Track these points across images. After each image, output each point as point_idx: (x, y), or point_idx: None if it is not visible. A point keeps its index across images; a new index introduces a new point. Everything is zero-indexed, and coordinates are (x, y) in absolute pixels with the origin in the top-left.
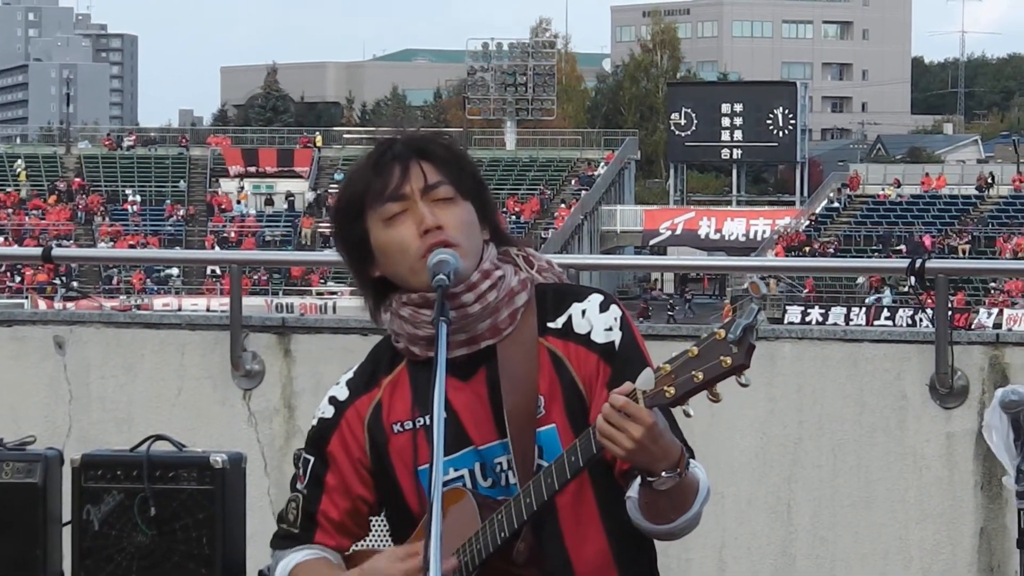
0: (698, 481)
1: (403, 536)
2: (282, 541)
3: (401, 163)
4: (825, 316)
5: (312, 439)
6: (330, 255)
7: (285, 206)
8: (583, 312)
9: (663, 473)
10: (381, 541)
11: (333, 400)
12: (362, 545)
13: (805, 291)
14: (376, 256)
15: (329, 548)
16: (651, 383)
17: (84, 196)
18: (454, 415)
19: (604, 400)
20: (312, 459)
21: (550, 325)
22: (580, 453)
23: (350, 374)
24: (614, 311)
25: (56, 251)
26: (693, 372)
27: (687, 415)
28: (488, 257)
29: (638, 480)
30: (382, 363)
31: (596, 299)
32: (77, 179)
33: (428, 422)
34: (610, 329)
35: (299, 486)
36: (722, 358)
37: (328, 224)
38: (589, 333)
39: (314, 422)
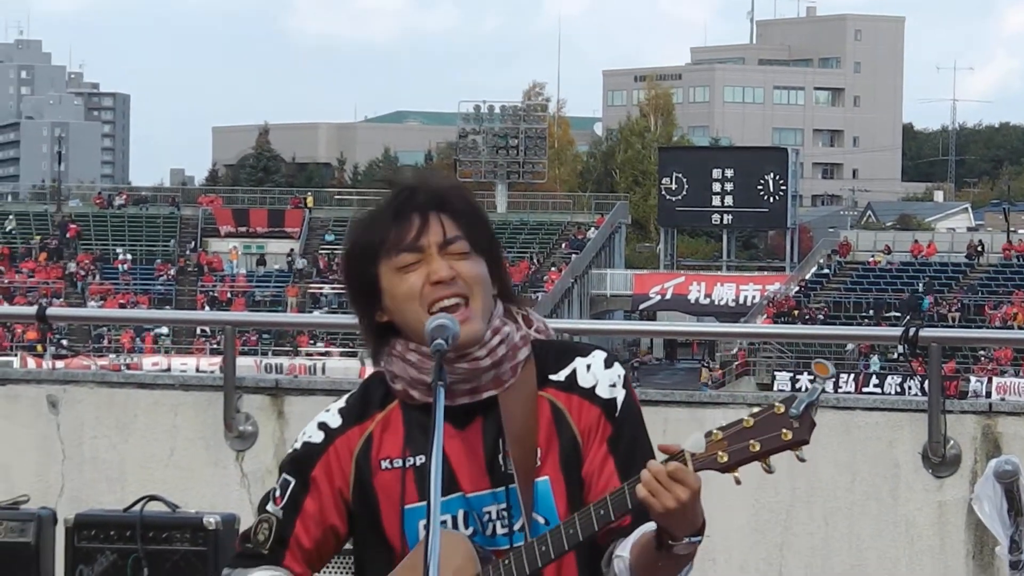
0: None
1: (374, 574)
2: (244, 560)
3: (421, 214)
4: (814, 383)
5: (295, 461)
6: (323, 317)
7: (277, 266)
8: (588, 366)
9: (686, 539)
10: None
11: (323, 426)
12: None
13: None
14: (385, 302)
15: (294, 574)
16: (701, 446)
17: (73, 250)
18: (446, 460)
19: (600, 454)
20: (293, 481)
21: (552, 377)
22: (612, 507)
23: (342, 403)
24: (618, 368)
25: (50, 311)
26: (750, 441)
27: (738, 482)
28: (496, 313)
29: (630, 540)
30: (374, 398)
31: (600, 355)
32: (73, 226)
33: (419, 463)
34: (614, 385)
35: (273, 507)
36: (783, 431)
37: (339, 269)
38: (594, 387)
39: (297, 445)
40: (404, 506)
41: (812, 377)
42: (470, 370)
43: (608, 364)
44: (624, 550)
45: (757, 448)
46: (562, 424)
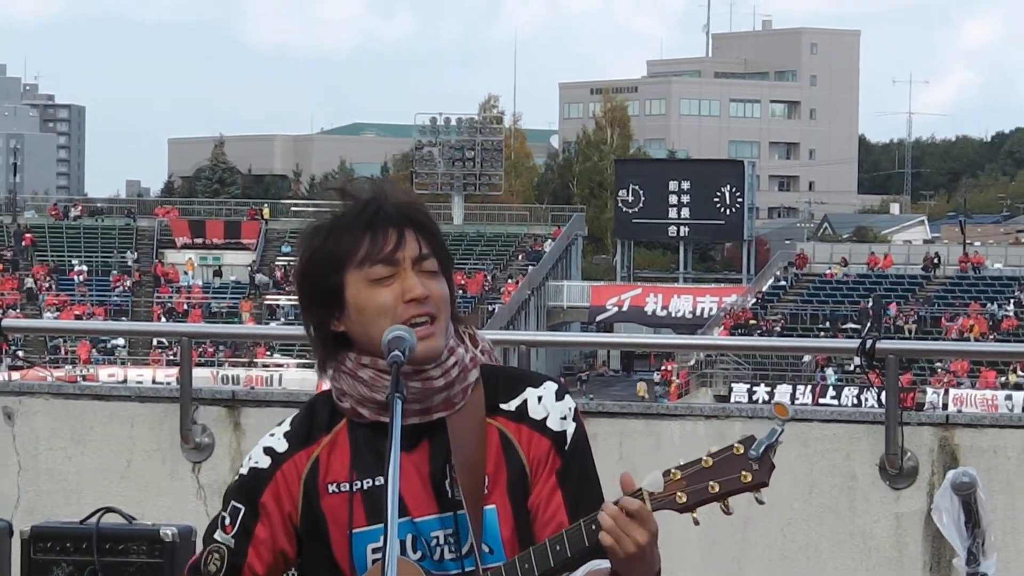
0: None
1: None
2: None
3: (396, 228)
4: (771, 394)
5: (243, 488)
6: (279, 329)
7: (234, 277)
8: (539, 398)
9: None
10: None
11: (270, 451)
12: None
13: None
14: (348, 312)
15: None
16: (660, 486)
17: (29, 261)
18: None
19: (548, 487)
20: (243, 508)
21: (502, 406)
22: (568, 544)
23: (287, 426)
24: (569, 401)
25: (6, 322)
26: (709, 482)
27: (696, 523)
28: (449, 333)
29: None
30: (320, 419)
31: (552, 387)
32: (28, 235)
33: (366, 486)
34: (565, 418)
35: (222, 536)
36: (742, 473)
37: (295, 273)
38: (545, 419)
39: (244, 471)
40: (352, 531)
41: (772, 417)
42: (423, 390)
43: (559, 396)
44: None
45: (716, 489)
46: (511, 454)
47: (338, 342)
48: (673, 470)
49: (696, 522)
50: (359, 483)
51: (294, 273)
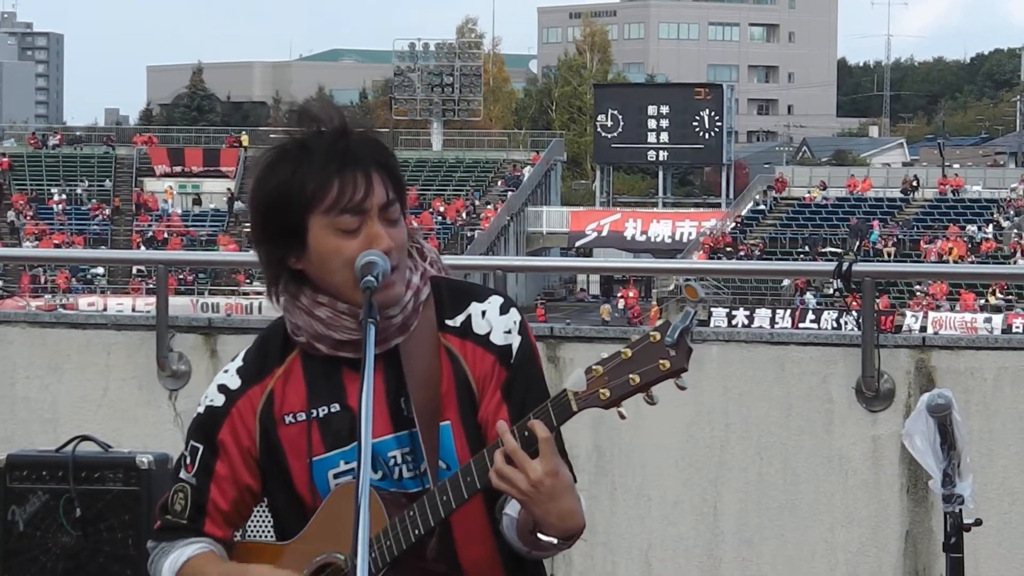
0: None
1: (290, 527)
2: (167, 533)
3: (364, 173)
4: (750, 318)
5: (201, 427)
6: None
7: (213, 205)
8: (483, 313)
9: (547, 537)
10: (262, 533)
11: (223, 388)
12: (244, 537)
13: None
14: (309, 255)
15: (217, 539)
16: (583, 384)
17: (7, 186)
18: (349, 409)
19: (495, 400)
20: (201, 447)
21: (448, 322)
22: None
23: (239, 362)
24: (514, 314)
25: None
26: (629, 375)
27: (622, 417)
28: (407, 272)
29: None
30: (273, 352)
31: (496, 300)
32: (5, 160)
33: (322, 414)
34: (509, 332)
35: (185, 475)
36: (660, 361)
37: (252, 201)
38: (488, 334)
39: (200, 410)
40: (312, 458)
41: (682, 300)
42: (382, 329)
43: (504, 310)
44: (512, 509)
45: (637, 381)
46: (458, 370)
47: (292, 275)
48: (595, 366)
49: (622, 416)
50: (315, 412)
51: (251, 201)
